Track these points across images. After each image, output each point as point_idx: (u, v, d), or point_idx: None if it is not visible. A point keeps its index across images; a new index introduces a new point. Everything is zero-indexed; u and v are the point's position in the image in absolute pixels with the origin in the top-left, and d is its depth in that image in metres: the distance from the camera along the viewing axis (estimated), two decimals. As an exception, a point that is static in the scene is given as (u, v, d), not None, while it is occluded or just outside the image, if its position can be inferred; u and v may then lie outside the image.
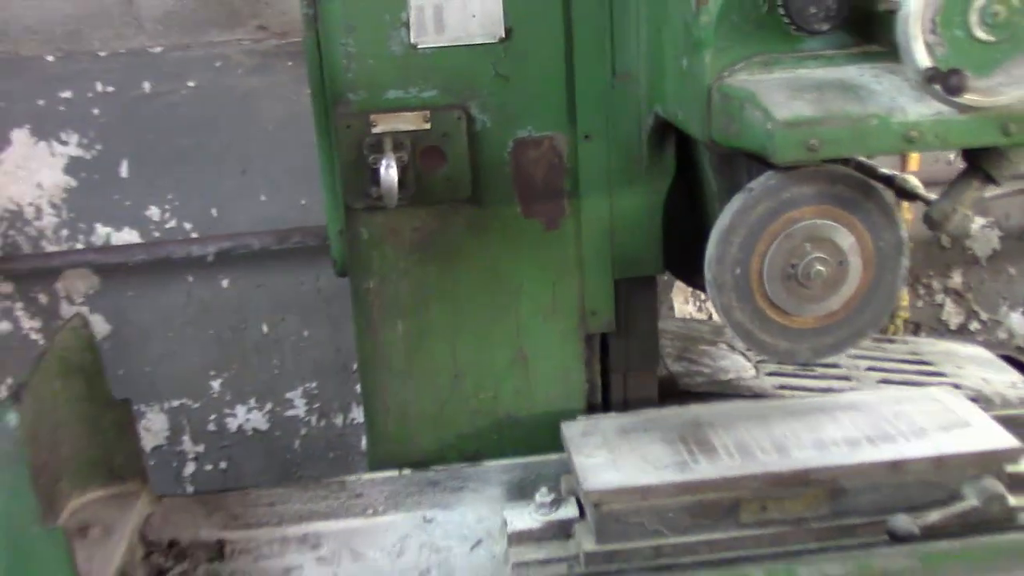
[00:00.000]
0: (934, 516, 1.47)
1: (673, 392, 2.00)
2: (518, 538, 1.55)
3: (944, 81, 1.10)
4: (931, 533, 1.45)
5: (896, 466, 1.49)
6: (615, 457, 1.55)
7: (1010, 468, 1.58)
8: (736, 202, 1.56)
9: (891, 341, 2.52)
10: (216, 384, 2.91)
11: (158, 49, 2.65)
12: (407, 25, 1.60)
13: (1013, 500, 1.52)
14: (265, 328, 2.87)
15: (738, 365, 2.16)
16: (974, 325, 3.34)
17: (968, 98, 1.15)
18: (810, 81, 1.26)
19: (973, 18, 1.12)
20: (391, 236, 1.69)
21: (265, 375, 2.92)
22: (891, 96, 1.22)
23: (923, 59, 1.13)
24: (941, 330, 3.31)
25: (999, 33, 1.13)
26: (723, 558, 1.46)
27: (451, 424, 1.79)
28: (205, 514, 1.72)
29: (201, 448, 2.96)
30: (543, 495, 1.57)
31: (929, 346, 2.49)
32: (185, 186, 2.73)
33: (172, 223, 2.77)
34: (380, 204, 1.61)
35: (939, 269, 3.25)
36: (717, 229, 1.56)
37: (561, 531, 1.55)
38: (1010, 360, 2.43)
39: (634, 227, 1.74)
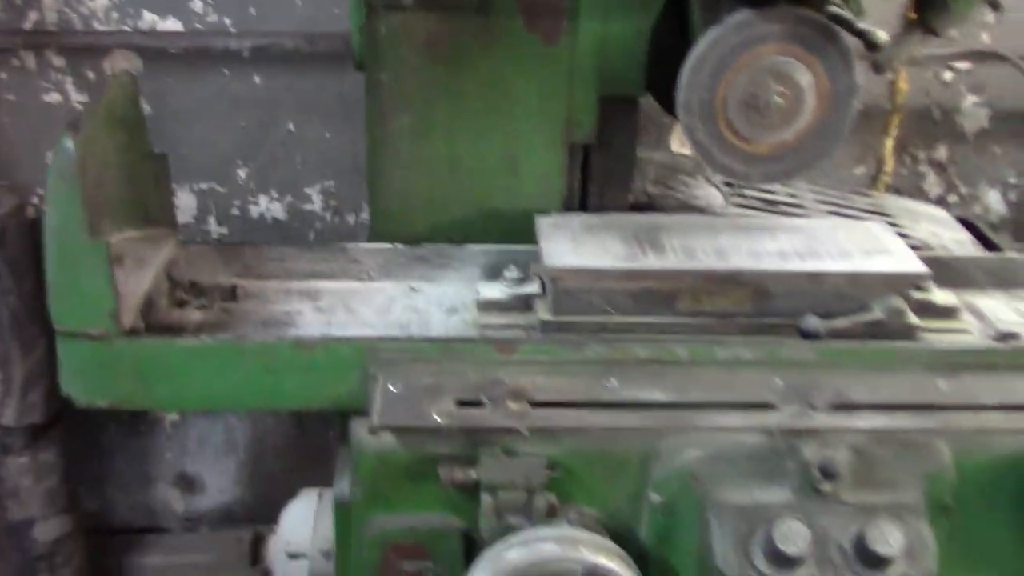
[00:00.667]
0: (841, 322, 1.70)
1: (645, 210, 2.22)
2: (486, 306, 1.80)
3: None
4: (835, 335, 1.68)
5: (815, 277, 1.71)
6: (577, 246, 1.78)
7: (919, 295, 1.81)
8: (711, 33, 1.75)
9: (862, 194, 2.71)
10: (242, 173, 3.13)
11: None
12: None
13: (916, 320, 1.75)
14: (291, 126, 3.08)
15: (710, 195, 2.36)
16: (952, 198, 3.49)
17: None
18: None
19: None
20: (405, 35, 1.88)
21: (287, 170, 3.14)
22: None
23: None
24: (920, 198, 3.48)
25: None
26: (657, 337, 1.70)
27: (445, 210, 2.01)
28: (223, 262, 1.97)
29: (225, 230, 3.21)
30: (511, 272, 1.81)
31: (894, 202, 2.69)
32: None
33: (213, 17, 2.94)
34: (397, 3, 1.79)
35: (926, 141, 3.39)
36: (691, 57, 1.75)
37: (524, 303, 1.79)
38: (966, 223, 2.63)
39: (623, 49, 1.92)
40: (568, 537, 1.56)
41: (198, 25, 2.95)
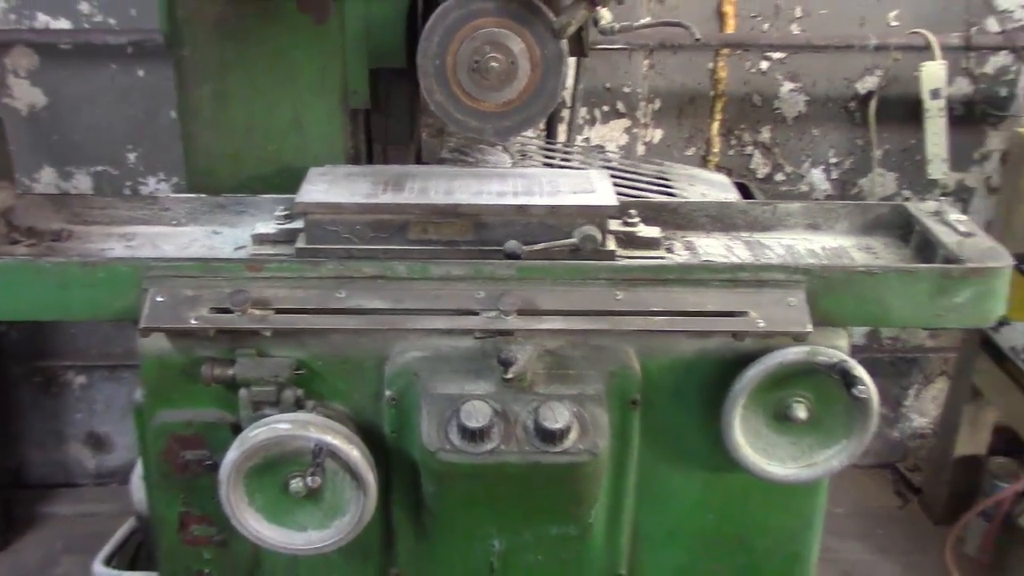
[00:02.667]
0: (540, 245, 1.99)
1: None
2: (259, 239, 2.09)
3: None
4: (535, 256, 1.98)
5: (521, 209, 2.00)
6: (331, 187, 2.07)
7: (627, 229, 2.10)
8: (438, 10, 2.05)
9: (655, 164, 3.01)
10: (132, 156, 3.45)
11: None
12: None
13: (612, 246, 2.04)
14: (173, 115, 3.40)
15: (500, 160, 2.66)
16: (779, 176, 3.80)
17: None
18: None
19: None
20: (199, 16, 2.18)
21: (174, 154, 3.45)
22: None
23: None
24: (749, 176, 3.78)
25: None
26: (382, 257, 1.98)
27: (245, 166, 2.29)
28: (55, 210, 2.26)
29: (119, 209, 3.51)
30: (280, 211, 2.11)
31: (681, 170, 2.97)
32: (110, -14, 3.22)
33: (99, 17, 3.27)
34: (186, -12, 2.10)
35: (750, 124, 3.70)
36: (425, 29, 2.06)
37: (290, 236, 2.08)
38: (742, 187, 2.92)
39: (385, 26, 2.21)
40: (302, 420, 1.86)
41: (86, 24, 3.27)
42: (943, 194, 3.88)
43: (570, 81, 3.27)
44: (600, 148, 3.66)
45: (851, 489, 4.09)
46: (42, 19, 3.23)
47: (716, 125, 3.66)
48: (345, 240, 2.01)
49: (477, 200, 2.03)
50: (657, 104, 3.66)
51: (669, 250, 2.18)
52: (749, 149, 3.75)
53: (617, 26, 2.12)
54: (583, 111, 3.62)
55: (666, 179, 2.80)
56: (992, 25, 3.55)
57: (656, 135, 3.71)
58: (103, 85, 3.30)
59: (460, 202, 2.02)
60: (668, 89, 3.64)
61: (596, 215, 2.03)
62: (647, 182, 2.73)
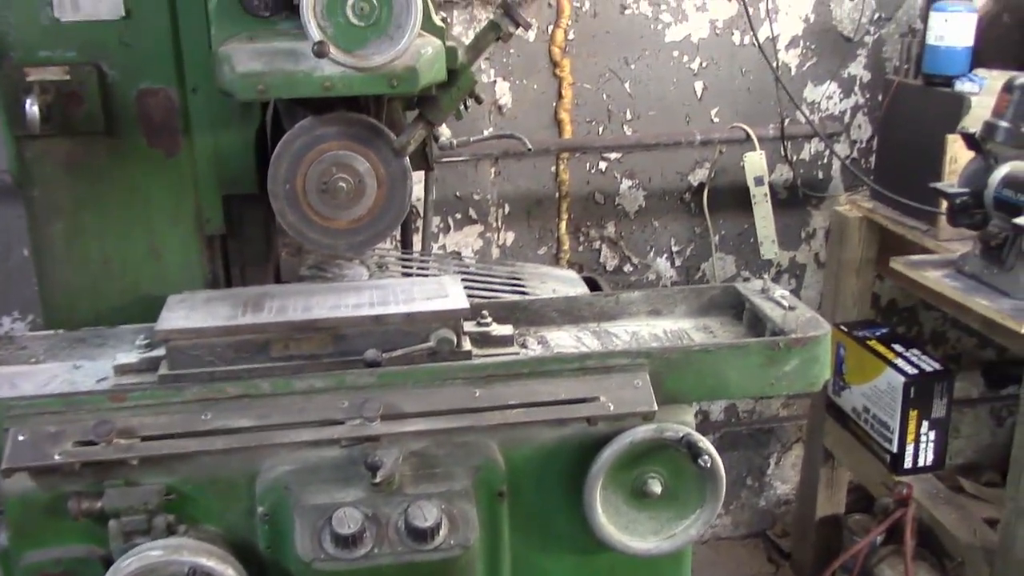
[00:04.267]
0: (399, 352, 2.07)
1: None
2: (121, 370, 2.09)
3: (315, 48, 1.70)
4: (394, 362, 2.06)
5: (378, 319, 2.08)
6: (190, 312, 2.11)
7: (480, 329, 2.21)
8: (285, 137, 2.15)
9: (507, 266, 3.14)
10: (-15, 298, 3.39)
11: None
12: (51, 5, 2.14)
13: (468, 346, 2.14)
14: (26, 252, 3.37)
15: (358, 273, 2.75)
16: (627, 267, 4.00)
17: (348, 60, 1.75)
18: (273, 49, 1.85)
19: (348, 11, 1.72)
20: (47, 157, 2.20)
21: (29, 291, 3.41)
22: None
23: (315, 34, 1.73)
24: (600, 270, 3.96)
25: (366, 21, 1.73)
26: (253, 378, 2.03)
27: (102, 299, 2.30)
28: (-95, 360, 2.22)
29: (-27, 351, 3.43)
30: (141, 340, 2.13)
31: (532, 269, 3.10)
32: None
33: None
34: (32, 133, 2.14)
35: (595, 220, 3.89)
36: (273, 156, 2.15)
37: (152, 364, 2.10)
38: (590, 281, 3.08)
39: (234, 155, 2.29)
40: (174, 544, 1.86)
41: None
42: (778, 272, 4.16)
43: (421, 192, 3.40)
44: (456, 254, 3.80)
45: (727, 561, 4.22)
46: None
47: (564, 224, 3.83)
48: (208, 363, 2.04)
49: (335, 313, 2.10)
50: (507, 208, 3.82)
51: (523, 345, 2.28)
52: (597, 244, 3.93)
53: (455, 141, 2.27)
54: (436, 220, 3.75)
55: (519, 279, 2.93)
56: (803, 116, 3.87)
57: (508, 238, 3.85)
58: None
59: (318, 317, 2.08)
60: (516, 193, 3.80)
61: (450, 318, 2.12)
62: (500, 283, 2.84)
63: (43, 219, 2.27)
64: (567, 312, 2.45)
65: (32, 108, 2.10)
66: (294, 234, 2.21)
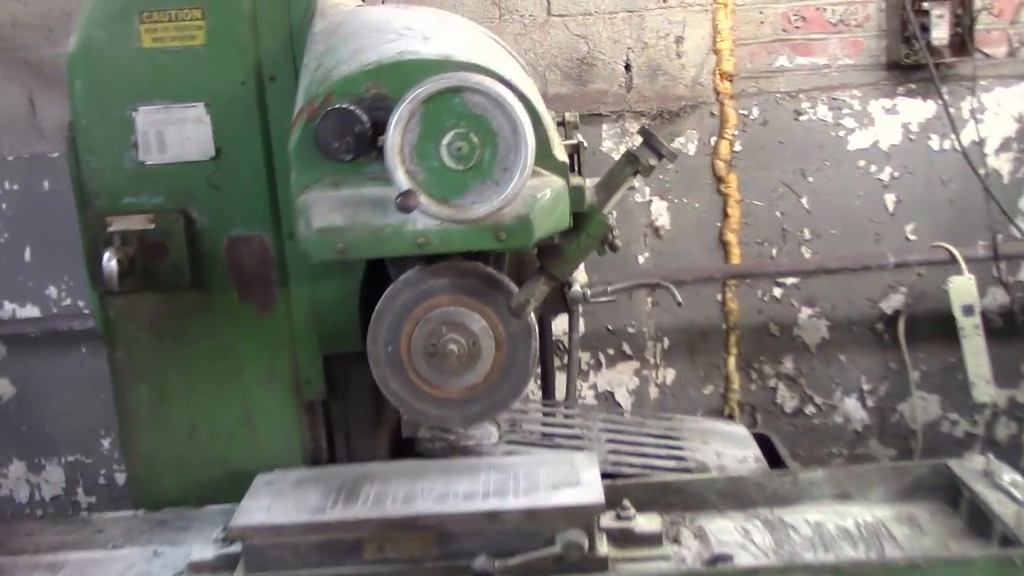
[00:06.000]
0: (517, 559, 1.71)
1: (408, 455, 2.27)
2: (195, 568, 1.82)
3: (399, 200, 1.39)
4: (511, 571, 1.69)
5: (493, 516, 1.73)
6: (275, 502, 1.82)
7: (620, 524, 1.83)
8: (387, 292, 1.86)
9: (662, 419, 2.75)
10: (106, 443, 3.25)
11: (55, 154, 3.07)
12: (136, 146, 1.95)
13: (605, 550, 1.76)
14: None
15: (484, 433, 2.41)
16: (809, 409, 3.52)
17: (443, 212, 1.44)
18: (358, 198, 1.56)
19: (443, 152, 1.42)
20: (132, 315, 2.01)
21: (150, 435, 3.26)
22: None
23: (403, 182, 1.43)
24: (776, 412, 3.50)
25: (465, 163, 1.42)
26: (339, 588, 1.71)
27: (189, 472, 2.07)
28: (-26, 544, 2.03)
29: (93, 499, 3.29)
30: (219, 533, 1.85)
31: (692, 423, 2.70)
32: (78, 268, 3.11)
33: (68, 301, 3.15)
34: (110, 289, 1.94)
35: (770, 355, 3.46)
36: (374, 314, 1.86)
37: (229, 562, 1.82)
38: (762, 439, 2.64)
39: (335, 310, 2.03)
40: None
41: (55, 310, 3.15)
42: (993, 414, 3.57)
43: (565, 326, 3.07)
44: (608, 396, 3.43)
45: None
46: (8, 307, 3.13)
47: (733, 360, 3.44)
48: (290, 565, 1.74)
49: (441, 507, 1.77)
50: (666, 342, 3.46)
51: (676, 541, 1.90)
52: (772, 382, 3.50)
53: (590, 291, 1.92)
54: (586, 356, 3.41)
55: (675, 437, 2.54)
56: (1019, 230, 3.34)
57: (669, 375, 3.48)
58: (73, 369, 3.16)
59: (420, 512, 1.76)
60: (676, 326, 3.44)
61: (581, 515, 1.75)
62: (653, 444, 2.46)
63: (127, 381, 2.06)
64: (731, 495, 2.05)
65: (110, 263, 1.90)
66: (397, 404, 1.90)
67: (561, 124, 2.22)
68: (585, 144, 2.19)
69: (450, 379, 1.87)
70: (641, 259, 3.35)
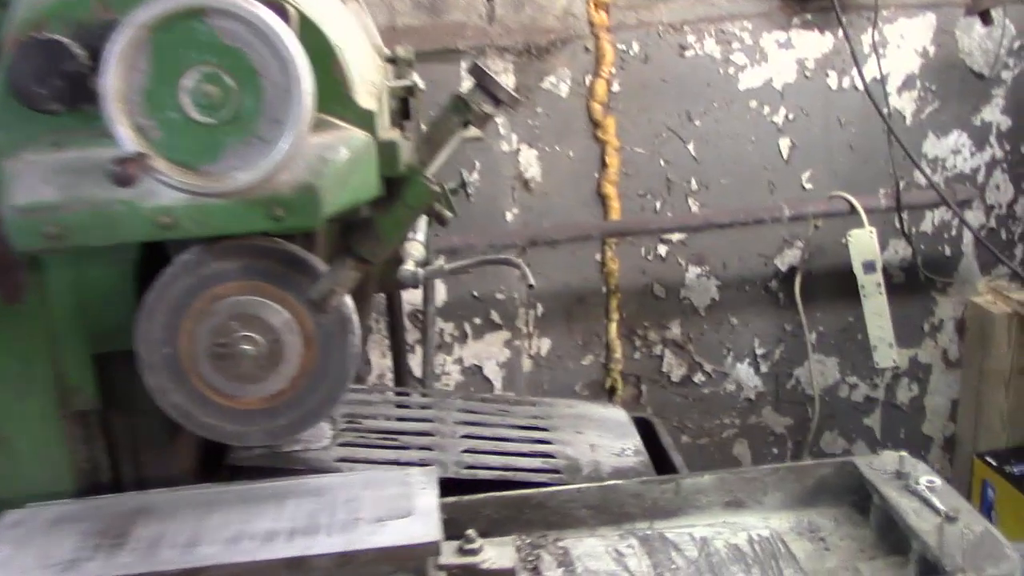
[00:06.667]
0: (325, 616, 1.37)
1: (219, 468, 1.90)
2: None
3: (115, 170, 1.01)
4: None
5: (296, 564, 1.40)
6: (16, 553, 1.45)
7: (465, 559, 1.51)
8: (159, 278, 1.48)
9: (528, 403, 2.44)
10: None
11: None
12: None
13: (441, 596, 1.44)
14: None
15: (315, 434, 2.06)
16: (699, 377, 3.27)
17: (191, 182, 1.06)
18: (82, 163, 1.17)
19: (185, 99, 1.04)
20: None
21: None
22: (163, 177, 1.14)
23: (128, 140, 1.05)
24: (663, 382, 3.24)
25: (216, 114, 1.05)
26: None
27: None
28: None
29: None
30: (-54, 593, 1.47)
31: (564, 408, 2.41)
32: None
33: None
34: None
35: (655, 319, 3.19)
36: (143, 307, 1.48)
37: (-43, 632, 1.44)
38: (643, 423, 2.36)
39: (105, 299, 1.64)
40: None
41: None
42: (894, 376, 3.38)
43: (418, 297, 2.73)
44: (476, 372, 3.11)
45: None
46: None
47: (614, 326, 3.16)
48: (33, 637, 1.37)
49: (231, 554, 1.44)
50: (540, 309, 3.14)
51: (535, 572, 1.60)
52: (658, 349, 3.23)
53: (421, 271, 1.56)
54: (449, 327, 3.07)
55: (543, 428, 2.25)
56: (925, 177, 3.12)
57: (544, 345, 3.18)
58: None
59: (202, 564, 1.40)
60: (550, 290, 3.13)
61: (409, 557, 1.43)
62: (518, 438, 2.16)
63: None
64: (604, 509, 1.79)
65: None
66: (180, 419, 1.54)
67: (392, 61, 1.85)
68: (421, 86, 1.82)
69: (246, 387, 1.52)
70: (509, 216, 3.01)
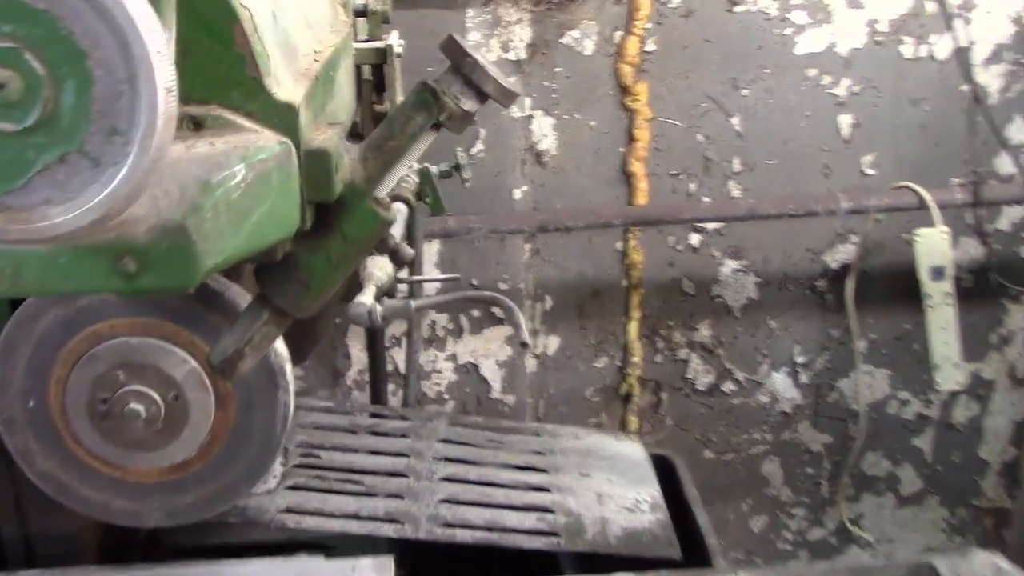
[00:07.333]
0: None
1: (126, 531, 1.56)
2: None
3: None
4: None
5: None
6: None
7: None
8: (22, 308, 1.12)
9: (526, 431, 2.09)
10: None
11: None
12: None
13: None
14: None
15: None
16: (728, 385, 2.92)
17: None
18: None
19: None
20: None
21: None
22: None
23: None
24: (686, 390, 2.89)
25: (17, 117, 0.68)
26: None
27: None
28: None
29: None
30: None
31: (572, 440, 2.09)
32: None
33: None
34: None
35: (681, 319, 2.83)
36: (-1, 344, 1.13)
37: None
38: (663, 464, 2.02)
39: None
40: None
41: None
42: (953, 392, 3.01)
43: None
44: (472, 370, 2.77)
45: None
46: None
47: (634, 325, 2.79)
48: None
49: None
50: (548, 302, 2.79)
51: None
52: (683, 352, 2.87)
53: (379, 308, 1.20)
54: (443, 319, 2.71)
55: (542, 469, 1.94)
56: (1004, 166, 2.71)
57: (551, 344, 2.83)
58: None
59: None
60: (562, 281, 2.77)
61: None
62: (510, 482, 1.85)
63: None
64: None
65: None
66: (54, 493, 1.20)
67: (362, 14, 1.47)
68: (398, 49, 1.44)
69: (138, 454, 1.17)
70: (518, 194, 2.64)
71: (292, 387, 1.20)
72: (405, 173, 1.54)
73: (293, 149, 0.87)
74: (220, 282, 1.14)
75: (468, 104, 0.93)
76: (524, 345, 1.39)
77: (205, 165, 0.77)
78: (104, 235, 0.72)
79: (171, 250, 0.76)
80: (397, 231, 1.41)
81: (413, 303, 1.30)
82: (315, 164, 0.89)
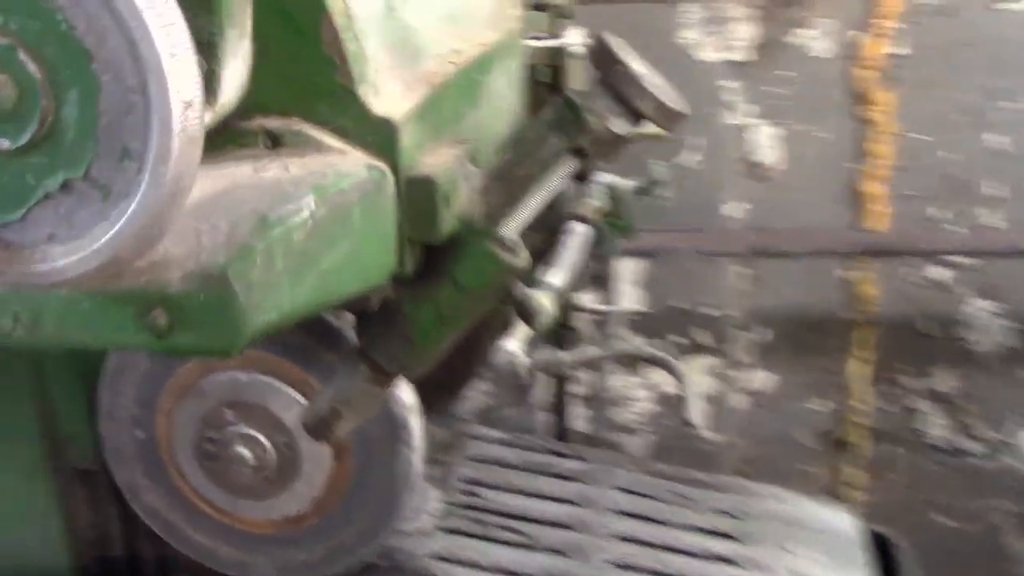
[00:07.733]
0: None
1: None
2: None
3: None
4: None
5: None
6: None
7: None
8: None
9: (719, 487, 1.89)
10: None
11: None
12: None
13: None
14: None
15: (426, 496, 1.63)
16: (968, 444, 2.64)
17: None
18: None
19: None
20: None
21: None
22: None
23: None
24: (917, 444, 2.64)
25: (13, 134, 0.56)
26: None
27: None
28: None
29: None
30: None
31: (772, 502, 1.86)
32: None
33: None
34: None
35: (917, 363, 2.64)
36: (107, 369, 1.06)
37: None
38: (882, 542, 1.77)
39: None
40: None
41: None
42: None
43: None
44: (668, 402, 2.59)
45: None
46: None
47: (858, 365, 2.62)
48: None
49: None
50: (761, 333, 2.65)
51: None
52: (915, 401, 2.66)
53: (527, 361, 1.04)
54: (638, 342, 2.58)
55: (733, 536, 1.74)
56: None
57: (764, 381, 2.69)
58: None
59: None
60: (779, 311, 2.63)
61: None
62: (691, 550, 1.66)
63: None
64: None
65: None
66: (161, 531, 1.13)
67: (541, 8, 1.32)
68: (577, 48, 1.28)
69: (246, 502, 1.07)
70: (731, 211, 2.45)
71: (418, 443, 1.06)
72: (592, 192, 1.39)
73: (389, 175, 0.72)
74: (341, 326, 1.02)
75: (617, 125, 0.75)
76: (687, 424, 1.21)
77: (268, 195, 0.64)
78: (131, 279, 0.59)
79: (209, 304, 0.62)
80: (572, 256, 1.25)
81: (568, 357, 1.13)
82: (417, 195, 0.74)
